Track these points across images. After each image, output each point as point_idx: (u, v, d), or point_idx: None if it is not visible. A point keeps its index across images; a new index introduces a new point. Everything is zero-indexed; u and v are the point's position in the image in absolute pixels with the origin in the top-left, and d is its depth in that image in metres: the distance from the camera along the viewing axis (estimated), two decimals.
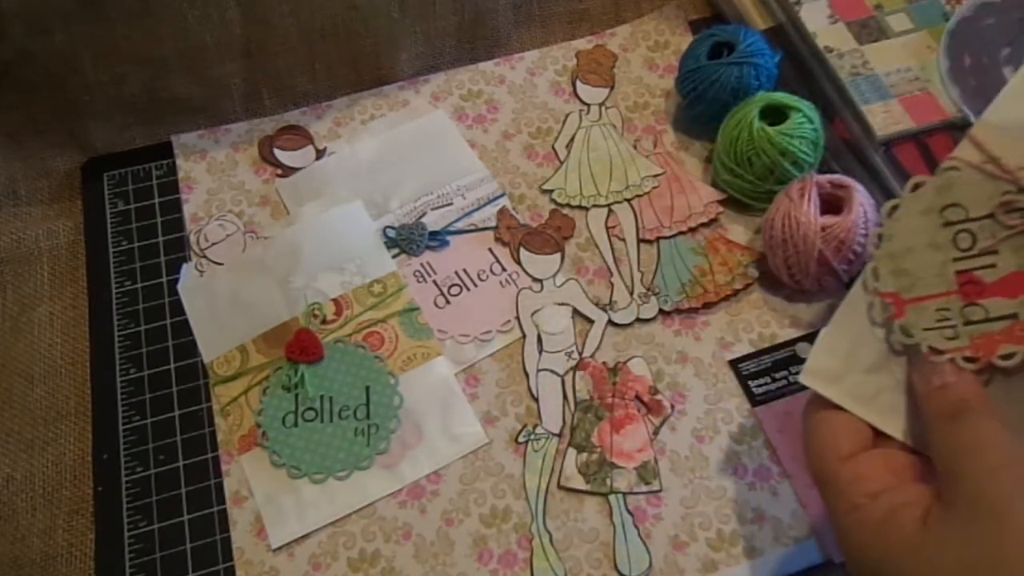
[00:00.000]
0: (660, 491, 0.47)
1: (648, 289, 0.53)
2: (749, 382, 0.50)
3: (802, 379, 0.38)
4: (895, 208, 0.37)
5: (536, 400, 0.50)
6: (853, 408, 0.36)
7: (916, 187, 0.37)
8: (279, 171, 0.58)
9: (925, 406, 0.34)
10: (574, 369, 0.51)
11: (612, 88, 0.62)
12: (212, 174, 0.58)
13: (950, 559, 0.30)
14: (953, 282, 0.35)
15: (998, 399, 0.34)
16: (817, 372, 0.38)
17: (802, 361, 0.50)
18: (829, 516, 0.34)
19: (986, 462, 0.31)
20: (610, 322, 0.52)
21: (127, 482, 0.48)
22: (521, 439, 0.49)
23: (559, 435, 0.49)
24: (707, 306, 0.53)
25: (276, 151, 0.59)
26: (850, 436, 0.36)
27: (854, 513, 0.33)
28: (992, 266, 0.34)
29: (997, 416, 0.33)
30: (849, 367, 0.37)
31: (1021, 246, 0.34)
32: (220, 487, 0.47)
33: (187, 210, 0.57)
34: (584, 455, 0.48)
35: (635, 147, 0.59)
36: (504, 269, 0.55)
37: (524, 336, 0.52)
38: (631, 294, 0.53)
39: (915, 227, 0.36)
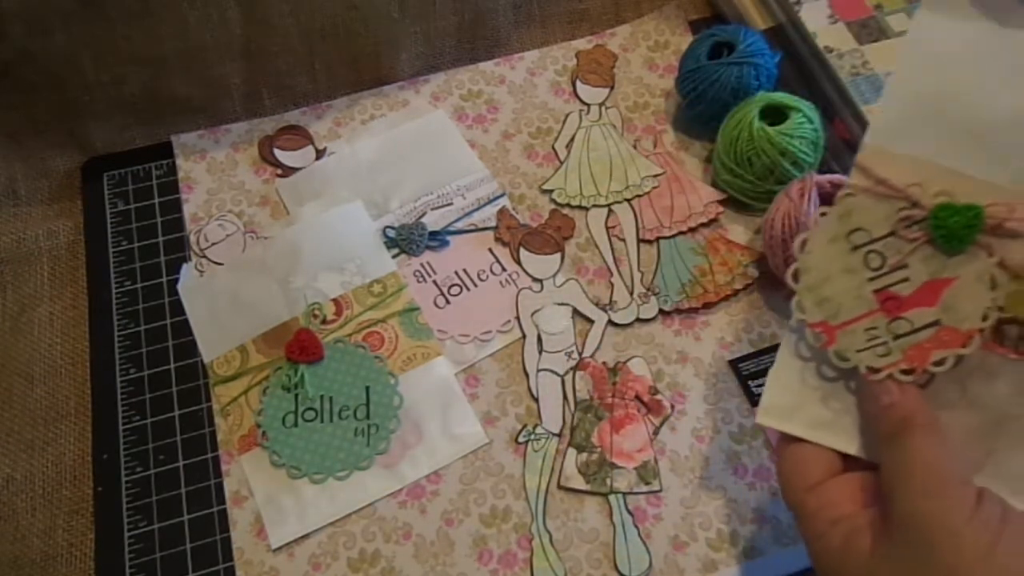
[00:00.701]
0: (660, 491, 0.47)
1: (648, 289, 0.53)
2: (749, 382, 0.50)
3: (758, 420, 0.39)
4: (805, 242, 0.38)
5: (536, 400, 0.50)
6: (813, 437, 0.37)
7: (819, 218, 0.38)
8: (279, 171, 0.58)
9: (874, 427, 0.36)
10: (574, 369, 0.51)
11: (612, 88, 0.62)
12: (212, 174, 0.58)
13: None
14: (874, 301, 0.36)
15: (945, 402, 0.35)
16: (772, 410, 0.38)
17: None
18: (804, 543, 0.36)
19: (919, 484, 0.32)
20: (610, 322, 0.52)
21: (127, 482, 0.48)
22: (521, 439, 0.49)
23: (559, 435, 0.49)
24: (707, 306, 0.53)
25: (276, 151, 0.59)
26: (819, 465, 0.37)
27: (819, 541, 0.34)
28: (906, 280, 0.36)
29: (938, 433, 0.34)
30: (803, 400, 0.38)
31: (927, 256, 0.36)
32: (220, 487, 0.47)
33: (187, 210, 0.57)
34: (584, 455, 0.48)
35: (635, 147, 0.59)
36: (504, 269, 0.55)
37: (524, 336, 0.52)
38: (631, 294, 0.53)
39: (827, 256, 0.37)
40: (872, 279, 0.36)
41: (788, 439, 0.38)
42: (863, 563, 0.33)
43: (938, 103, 0.37)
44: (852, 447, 0.37)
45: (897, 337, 0.35)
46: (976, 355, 0.35)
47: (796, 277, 0.38)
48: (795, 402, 0.38)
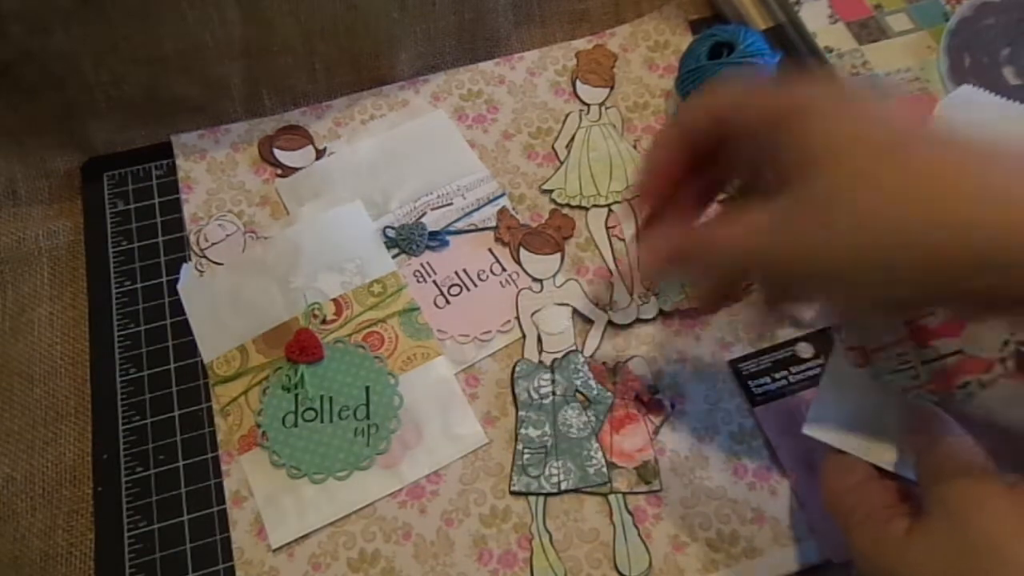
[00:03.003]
0: (660, 491, 0.47)
1: (648, 289, 0.53)
2: (749, 382, 0.50)
3: (805, 430, 0.42)
4: None
5: None
6: (853, 451, 0.40)
7: None
8: (279, 171, 0.58)
9: (908, 441, 0.39)
10: None
11: (612, 88, 0.62)
12: (212, 174, 0.58)
13: (929, 555, 0.34)
14: (903, 330, 0.39)
15: (970, 428, 0.38)
16: (818, 424, 0.42)
17: (803, 361, 0.50)
18: (843, 536, 0.38)
19: (953, 469, 0.35)
20: (610, 322, 0.52)
21: (127, 482, 0.48)
22: None
23: None
24: None
25: (276, 151, 0.59)
26: (855, 473, 0.40)
27: (857, 530, 0.37)
28: (932, 313, 0.39)
29: (967, 433, 0.37)
30: (845, 416, 0.41)
31: None
32: (220, 487, 0.47)
33: (187, 210, 0.57)
34: None
35: (635, 147, 0.59)
36: (504, 269, 0.55)
37: (524, 336, 0.52)
38: (631, 294, 0.53)
39: None
40: None
41: (832, 448, 0.41)
42: (899, 542, 0.35)
43: None
44: (890, 463, 0.40)
45: (925, 362, 0.38)
46: (999, 383, 0.37)
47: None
48: (838, 417, 0.41)
